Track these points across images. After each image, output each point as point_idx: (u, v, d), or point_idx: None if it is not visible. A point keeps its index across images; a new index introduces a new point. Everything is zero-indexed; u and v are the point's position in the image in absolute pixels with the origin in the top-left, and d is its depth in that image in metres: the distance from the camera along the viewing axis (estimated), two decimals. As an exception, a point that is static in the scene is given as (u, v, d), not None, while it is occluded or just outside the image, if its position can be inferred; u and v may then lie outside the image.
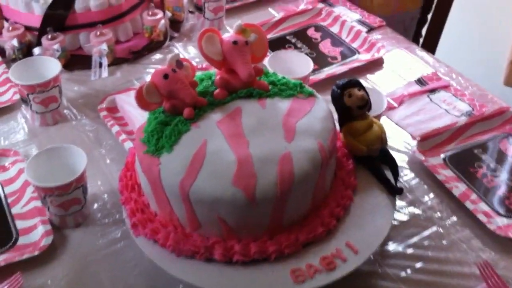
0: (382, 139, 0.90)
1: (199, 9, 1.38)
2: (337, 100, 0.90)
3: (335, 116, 0.91)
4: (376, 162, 0.90)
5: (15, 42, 1.24)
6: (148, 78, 1.20)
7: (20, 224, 0.93)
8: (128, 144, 1.05)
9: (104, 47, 1.23)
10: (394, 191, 0.87)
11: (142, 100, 0.83)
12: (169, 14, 1.35)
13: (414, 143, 1.09)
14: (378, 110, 1.02)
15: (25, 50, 1.27)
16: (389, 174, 0.90)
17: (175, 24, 1.41)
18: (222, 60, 0.87)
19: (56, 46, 1.22)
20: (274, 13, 1.48)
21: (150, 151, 0.81)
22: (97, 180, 1.02)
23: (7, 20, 1.31)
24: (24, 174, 0.91)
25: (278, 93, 0.89)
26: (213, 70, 0.92)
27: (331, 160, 0.83)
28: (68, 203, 0.90)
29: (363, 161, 0.91)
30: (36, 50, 1.23)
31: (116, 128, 1.09)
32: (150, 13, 1.32)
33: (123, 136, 1.07)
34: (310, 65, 1.12)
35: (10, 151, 1.05)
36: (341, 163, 0.90)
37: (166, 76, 0.82)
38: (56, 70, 1.09)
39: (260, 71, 0.90)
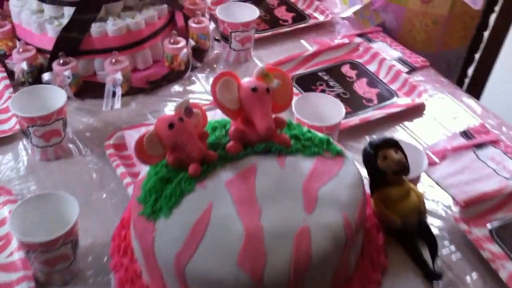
0: (420, 210, 0.77)
1: (226, 39, 1.27)
2: (369, 162, 0.77)
3: (365, 175, 0.78)
4: (411, 238, 0.77)
5: (24, 65, 1.15)
6: (165, 112, 1.10)
7: (2, 276, 0.82)
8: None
9: (119, 76, 1.13)
10: (432, 276, 0.74)
11: (142, 152, 0.72)
12: (192, 42, 1.24)
13: (455, 207, 0.95)
14: (417, 171, 0.89)
15: (36, 74, 1.18)
16: (425, 252, 0.77)
17: (199, 52, 1.30)
18: (238, 109, 0.75)
19: (67, 73, 1.12)
20: (307, 46, 1.36)
21: (146, 214, 0.70)
22: (93, 228, 0.91)
23: (19, 39, 1.22)
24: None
25: (301, 149, 0.77)
26: (229, 118, 0.80)
27: (357, 236, 0.71)
28: (54, 260, 0.79)
29: (395, 235, 0.78)
30: (46, 76, 1.13)
31: (121, 170, 0.98)
32: (172, 40, 1.22)
33: (128, 179, 0.96)
34: (342, 112, 1.00)
35: (1, 190, 0.95)
36: (370, 236, 0.77)
37: (171, 126, 0.71)
38: (61, 102, 0.99)
39: (282, 123, 0.78)
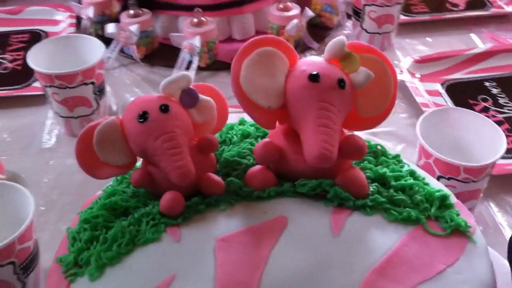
0: None
1: (357, 14, 0.91)
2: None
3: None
4: None
5: (90, 12, 0.90)
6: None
7: None
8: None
9: (197, 42, 0.84)
10: None
11: (87, 156, 0.40)
12: (310, 13, 0.90)
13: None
14: None
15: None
16: None
17: (320, 29, 0.96)
18: (279, 110, 0.41)
19: (133, 28, 0.85)
20: (478, 42, 0.94)
21: (65, 264, 0.39)
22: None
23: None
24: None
25: (384, 207, 0.40)
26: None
27: None
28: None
29: None
30: (109, 28, 0.87)
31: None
32: (282, 6, 0.89)
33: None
34: (501, 146, 0.59)
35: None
36: None
37: (143, 117, 0.39)
38: (92, 61, 0.72)
39: (355, 149, 0.41)
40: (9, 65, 0.87)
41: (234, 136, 0.46)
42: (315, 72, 0.40)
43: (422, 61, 0.85)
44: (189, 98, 0.41)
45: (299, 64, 0.41)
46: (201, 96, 0.41)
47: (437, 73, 0.84)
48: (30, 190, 0.68)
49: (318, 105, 0.39)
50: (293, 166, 0.41)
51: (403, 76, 0.83)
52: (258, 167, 0.42)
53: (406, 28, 0.95)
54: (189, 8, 0.89)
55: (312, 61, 0.41)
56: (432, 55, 0.87)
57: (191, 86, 0.41)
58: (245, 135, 0.46)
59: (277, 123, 0.42)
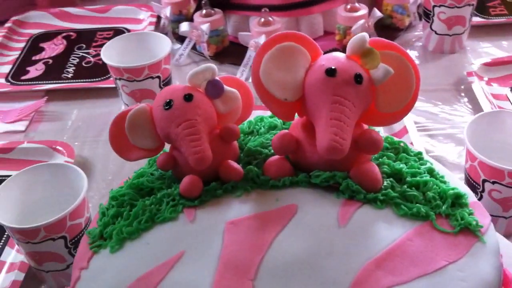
0: None
1: (427, 15, 0.89)
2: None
3: None
4: None
5: (167, 11, 0.95)
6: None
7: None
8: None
9: (262, 41, 0.86)
10: None
11: (119, 138, 0.44)
12: (378, 13, 0.89)
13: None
14: None
15: (184, 24, 0.98)
16: None
17: (392, 31, 0.95)
18: (296, 102, 0.42)
19: (204, 27, 0.89)
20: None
21: (92, 236, 0.43)
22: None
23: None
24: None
25: (394, 201, 0.40)
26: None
27: None
28: (40, 256, 0.58)
29: None
30: (183, 27, 0.92)
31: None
32: (349, 7, 0.89)
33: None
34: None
35: (66, 148, 0.76)
36: None
37: (168, 105, 0.42)
38: (157, 56, 0.76)
39: (374, 145, 0.42)
40: (92, 59, 0.94)
41: (262, 128, 0.48)
42: (332, 67, 0.41)
43: (491, 64, 0.82)
44: (214, 88, 0.43)
45: (319, 59, 0.43)
46: (226, 88, 0.44)
47: (507, 77, 0.81)
48: (96, 175, 0.75)
49: (333, 99, 0.40)
50: (309, 157, 0.42)
51: (470, 79, 0.81)
52: (276, 157, 0.43)
53: (481, 31, 0.92)
54: (258, 8, 0.91)
55: (332, 57, 0.42)
56: (502, 58, 0.84)
57: (216, 78, 0.44)
58: (272, 127, 0.48)
59: (296, 116, 0.44)
